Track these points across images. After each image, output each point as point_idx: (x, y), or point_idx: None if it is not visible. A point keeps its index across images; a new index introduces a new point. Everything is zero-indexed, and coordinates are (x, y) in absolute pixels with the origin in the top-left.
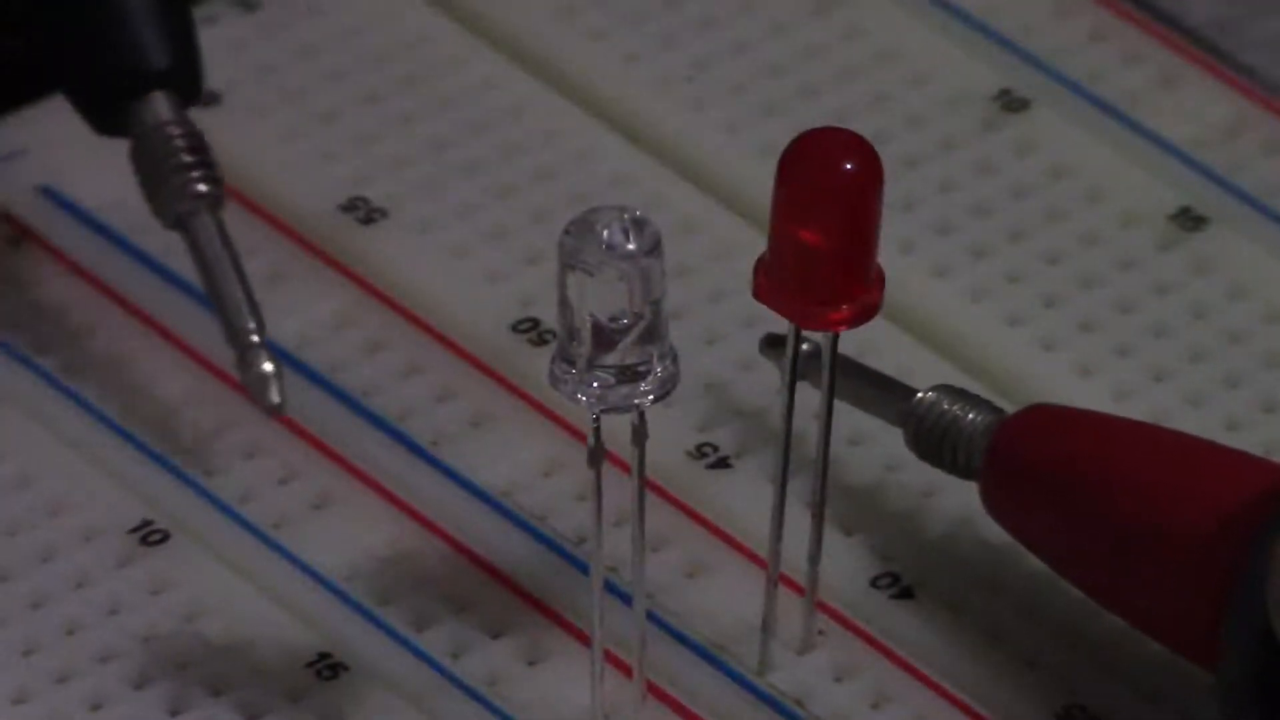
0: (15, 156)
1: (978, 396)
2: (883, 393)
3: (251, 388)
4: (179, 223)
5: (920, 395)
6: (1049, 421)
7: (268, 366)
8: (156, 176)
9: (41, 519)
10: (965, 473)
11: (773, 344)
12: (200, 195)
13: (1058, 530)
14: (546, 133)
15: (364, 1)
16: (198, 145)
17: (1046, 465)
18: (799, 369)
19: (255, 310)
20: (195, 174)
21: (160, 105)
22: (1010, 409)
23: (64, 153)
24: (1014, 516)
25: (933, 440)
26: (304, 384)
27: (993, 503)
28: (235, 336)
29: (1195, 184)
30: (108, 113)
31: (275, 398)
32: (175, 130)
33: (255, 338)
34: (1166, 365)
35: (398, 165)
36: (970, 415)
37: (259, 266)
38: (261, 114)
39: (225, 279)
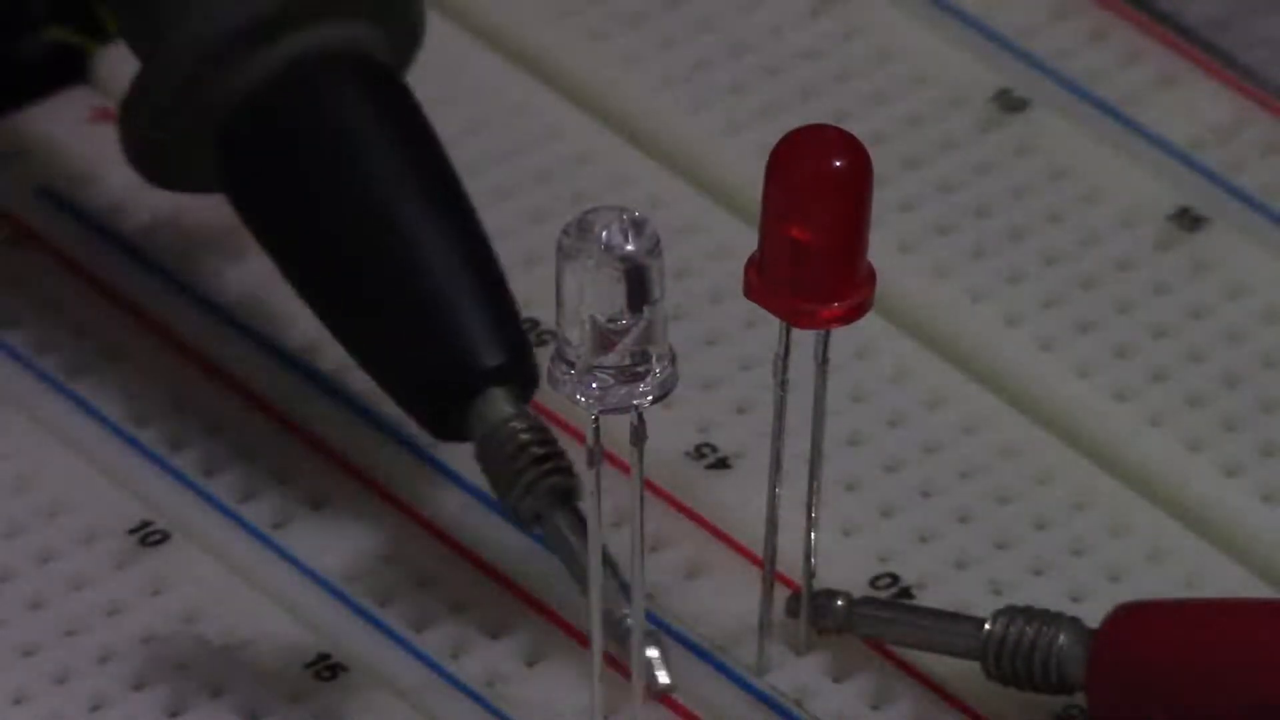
0: (15, 156)
1: (1046, 610)
2: (946, 626)
3: (637, 670)
4: (537, 519)
5: (990, 624)
6: (1145, 620)
7: (653, 653)
8: (507, 475)
9: (41, 520)
10: (1059, 689)
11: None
12: (554, 490)
13: None
14: (546, 133)
15: None
16: (545, 439)
17: (1161, 662)
18: (842, 621)
19: (626, 589)
20: (546, 467)
21: (500, 401)
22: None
23: (64, 153)
24: None
25: (1019, 664)
26: (305, 384)
27: (1106, 711)
28: (614, 623)
29: (1194, 184)
30: (446, 416)
31: (664, 679)
32: (519, 425)
33: (630, 620)
34: (1165, 365)
35: None
36: (1053, 631)
37: (245, 275)
38: None
39: (592, 568)
